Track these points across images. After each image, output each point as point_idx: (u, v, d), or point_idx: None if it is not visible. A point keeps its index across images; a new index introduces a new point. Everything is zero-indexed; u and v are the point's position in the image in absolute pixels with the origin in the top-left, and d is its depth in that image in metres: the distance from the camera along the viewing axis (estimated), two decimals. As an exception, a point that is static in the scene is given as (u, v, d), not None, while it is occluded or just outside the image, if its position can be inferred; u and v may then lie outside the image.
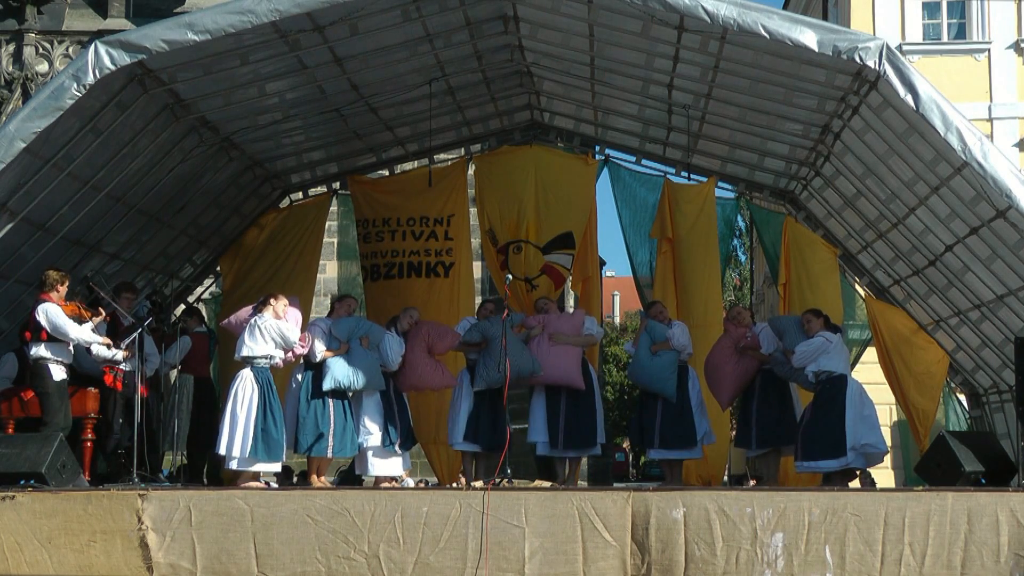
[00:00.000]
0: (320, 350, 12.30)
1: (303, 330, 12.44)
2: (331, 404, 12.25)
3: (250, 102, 13.51)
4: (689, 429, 13.14)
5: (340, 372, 12.22)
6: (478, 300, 17.92)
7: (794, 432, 12.94)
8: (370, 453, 12.54)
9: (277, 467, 12.19)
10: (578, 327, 13.26)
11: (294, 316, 12.27)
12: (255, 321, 11.88)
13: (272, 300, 12.05)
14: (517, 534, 9.92)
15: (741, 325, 13.51)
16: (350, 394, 12.43)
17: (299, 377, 12.45)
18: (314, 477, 12.32)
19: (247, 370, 11.85)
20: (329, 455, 12.32)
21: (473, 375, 12.97)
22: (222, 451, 11.77)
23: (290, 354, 12.17)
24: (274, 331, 11.84)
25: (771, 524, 9.86)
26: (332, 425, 12.21)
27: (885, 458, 13.12)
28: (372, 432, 12.50)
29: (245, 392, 11.73)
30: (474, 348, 12.96)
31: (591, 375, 13.35)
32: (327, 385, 12.18)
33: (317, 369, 12.31)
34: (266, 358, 11.88)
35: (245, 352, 11.87)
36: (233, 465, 11.78)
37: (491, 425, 12.68)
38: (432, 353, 13.00)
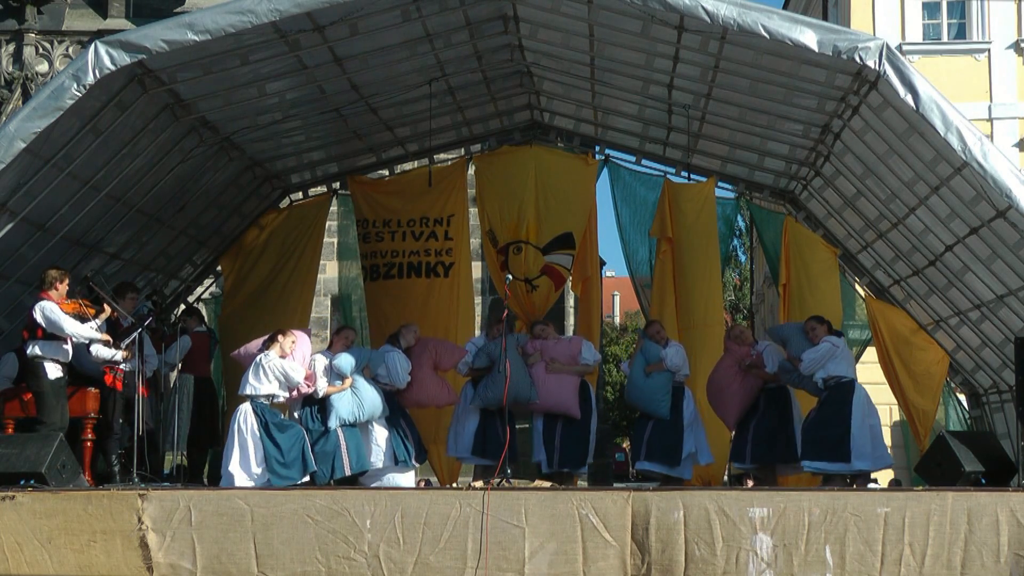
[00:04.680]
0: (322, 387, 12.14)
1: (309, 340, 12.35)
2: (339, 430, 12.10)
3: (250, 102, 13.50)
4: (675, 446, 13.09)
5: (344, 409, 12.11)
6: (478, 300, 17.95)
7: (789, 451, 12.97)
8: (388, 473, 12.42)
9: (307, 479, 12.02)
10: (575, 355, 13.20)
11: (301, 354, 12.07)
12: (260, 360, 11.73)
13: (280, 337, 11.90)
14: (517, 534, 9.91)
15: (744, 344, 13.49)
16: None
17: (296, 415, 12.23)
18: None
19: (246, 404, 11.72)
20: (348, 473, 12.17)
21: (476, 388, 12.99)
22: (239, 483, 11.47)
23: (295, 392, 12.01)
24: (278, 371, 11.69)
25: (771, 524, 9.85)
26: (344, 446, 12.07)
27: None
28: (387, 453, 12.38)
29: (247, 422, 11.58)
30: (483, 373, 12.93)
31: (590, 397, 13.34)
32: (332, 424, 12.07)
33: (319, 404, 12.17)
34: (268, 397, 11.76)
35: (248, 390, 11.74)
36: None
37: (498, 437, 12.61)
38: (438, 369, 12.96)
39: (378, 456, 12.37)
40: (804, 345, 12.67)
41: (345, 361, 12.22)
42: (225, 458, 11.67)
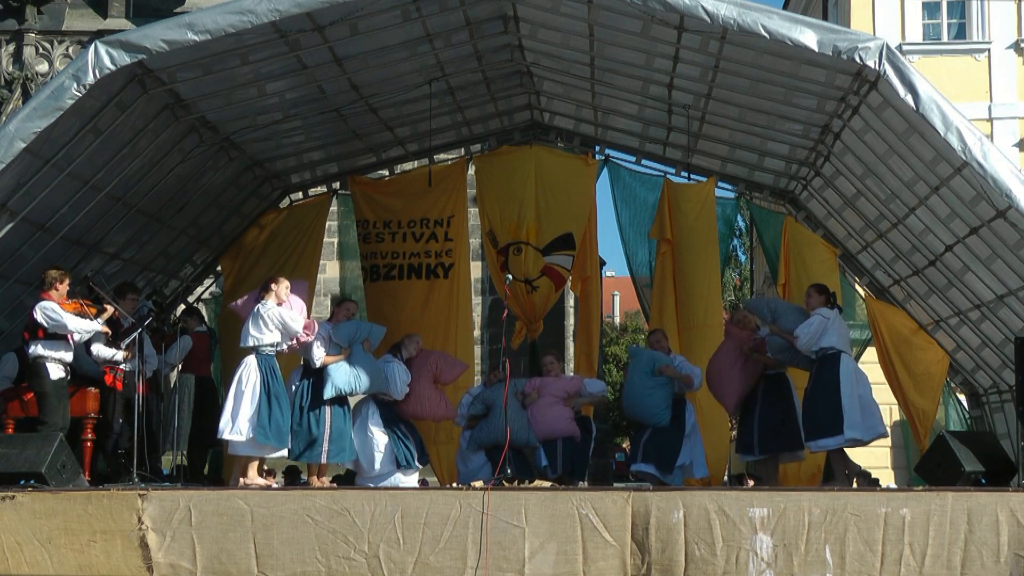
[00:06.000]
0: (320, 356, 12.12)
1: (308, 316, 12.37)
2: (328, 410, 12.07)
3: (250, 102, 13.51)
4: (670, 453, 13.03)
5: (341, 379, 12.06)
6: (477, 300, 17.93)
7: (794, 438, 12.92)
8: (391, 476, 12.39)
9: (283, 452, 12.05)
10: (574, 393, 13.20)
11: (298, 304, 12.10)
12: (258, 309, 11.73)
13: (273, 284, 11.85)
14: (517, 534, 9.91)
15: (746, 328, 13.44)
16: (351, 399, 12.34)
17: (294, 388, 12.21)
18: (314, 479, 12.26)
19: (252, 357, 11.76)
20: (323, 460, 12.13)
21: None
22: (225, 435, 11.63)
23: (295, 341, 12.02)
24: (276, 319, 11.71)
25: (771, 524, 9.85)
26: (328, 430, 12.04)
27: (885, 456, 13.10)
28: (388, 457, 12.36)
29: (249, 377, 11.64)
30: (480, 420, 12.95)
31: (590, 427, 13.33)
32: (328, 393, 12.02)
33: (317, 375, 12.15)
34: (272, 346, 11.79)
35: (251, 341, 11.75)
36: (238, 450, 11.70)
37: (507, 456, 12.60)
38: (437, 382, 12.96)
39: (379, 461, 12.35)
40: (794, 317, 12.60)
41: (345, 332, 12.23)
42: (221, 412, 11.73)
